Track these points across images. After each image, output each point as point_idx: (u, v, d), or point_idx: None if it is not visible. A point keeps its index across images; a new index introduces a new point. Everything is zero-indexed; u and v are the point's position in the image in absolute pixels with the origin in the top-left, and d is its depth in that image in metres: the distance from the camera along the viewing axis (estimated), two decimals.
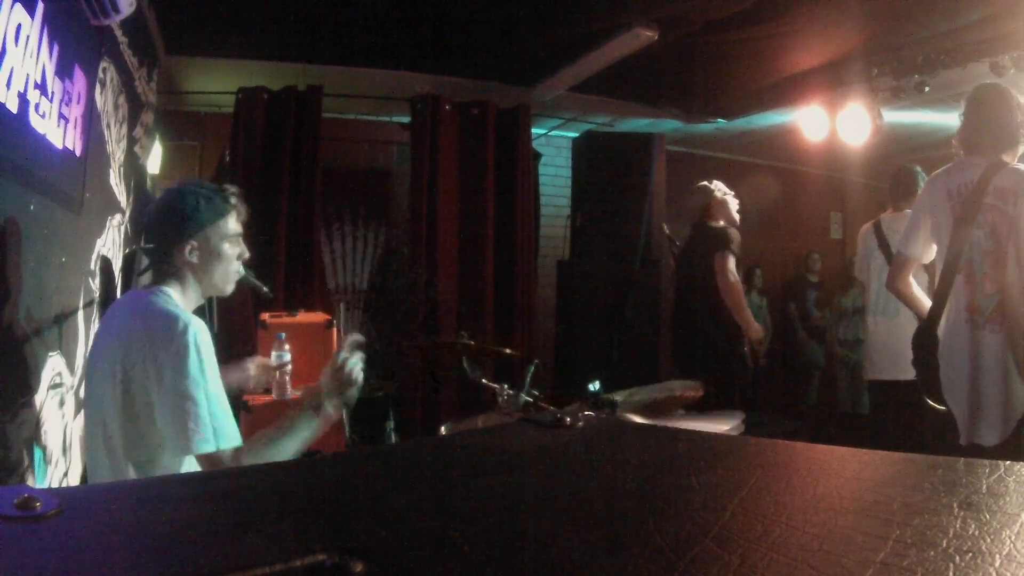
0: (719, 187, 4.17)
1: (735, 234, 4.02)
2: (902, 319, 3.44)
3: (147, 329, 1.63)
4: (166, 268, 1.77)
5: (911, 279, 2.89)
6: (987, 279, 2.52)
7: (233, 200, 1.82)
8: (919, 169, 3.77)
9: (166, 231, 1.78)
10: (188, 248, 1.75)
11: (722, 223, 4.08)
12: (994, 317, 2.49)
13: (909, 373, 2.89)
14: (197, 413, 1.56)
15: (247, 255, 1.86)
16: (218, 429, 1.58)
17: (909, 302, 2.91)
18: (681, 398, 2.34)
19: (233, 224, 1.81)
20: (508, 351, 3.59)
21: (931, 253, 2.81)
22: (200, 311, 1.84)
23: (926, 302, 2.79)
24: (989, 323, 2.50)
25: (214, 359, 1.64)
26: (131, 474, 1.62)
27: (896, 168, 3.96)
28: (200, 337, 1.61)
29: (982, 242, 2.53)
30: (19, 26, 1.57)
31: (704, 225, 4.11)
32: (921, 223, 2.78)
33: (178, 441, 1.57)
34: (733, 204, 4.14)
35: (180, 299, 1.75)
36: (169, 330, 1.60)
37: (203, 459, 1.58)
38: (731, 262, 3.90)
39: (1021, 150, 2.59)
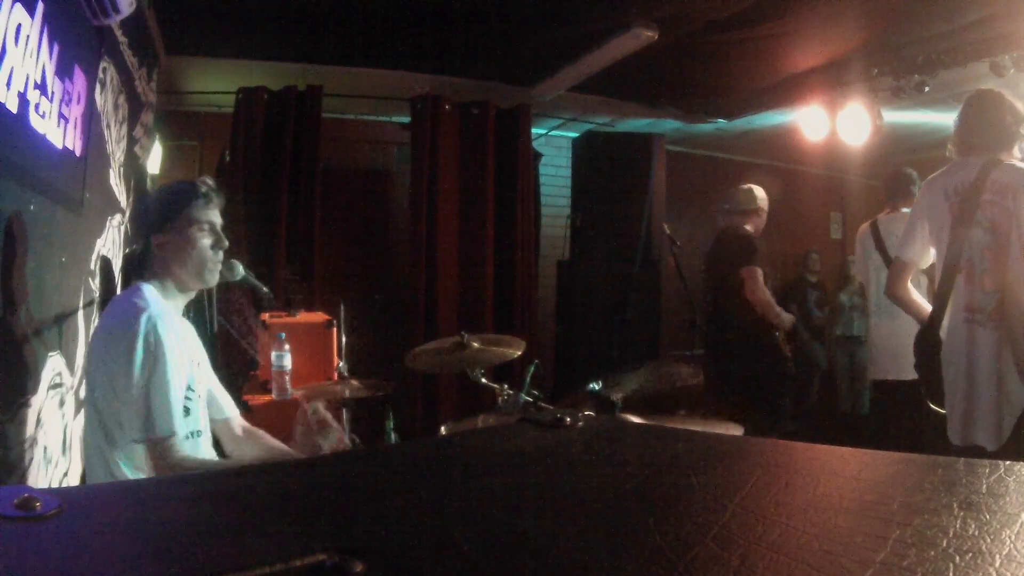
0: (761, 195, 4.16)
1: (761, 244, 4.02)
2: (903, 319, 3.43)
3: (108, 325, 1.72)
4: (144, 264, 1.81)
5: (910, 284, 2.87)
6: (987, 276, 2.49)
7: (203, 189, 1.81)
8: (912, 171, 3.83)
9: (140, 228, 1.83)
10: (158, 242, 1.78)
11: (750, 228, 4.07)
12: (993, 315, 2.47)
13: (911, 373, 2.88)
14: (139, 403, 1.62)
15: (226, 244, 1.85)
16: (152, 419, 1.62)
17: (908, 307, 2.88)
18: (683, 388, 2.35)
19: (201, 211, 1.80)
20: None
21: (929, 257, 2.79)
22: (200, 311, 1.85)
23: (926, 306, 2.77)
24: (989, 321, 2.48)
25: (166, 350, 1.65)
26: (116, 469, 1.67)
27: (891, 170, 3.99)
28: (153, 327, 1.64)
29: (982, 239, 2.51)
30: (19, 26, 1.57)
31: (732, 228, 4.11)
32: (918, 227, 2.76)
33: (124, 430, 1.65)
34: (764, 215, 4.16)
35: (160, 294, 1.77)
36: (123, 323, 1.66)
37: (149, 447, 1.62)
38: (759, 276, 3.90)
39: (1016, 152, 2.59)
